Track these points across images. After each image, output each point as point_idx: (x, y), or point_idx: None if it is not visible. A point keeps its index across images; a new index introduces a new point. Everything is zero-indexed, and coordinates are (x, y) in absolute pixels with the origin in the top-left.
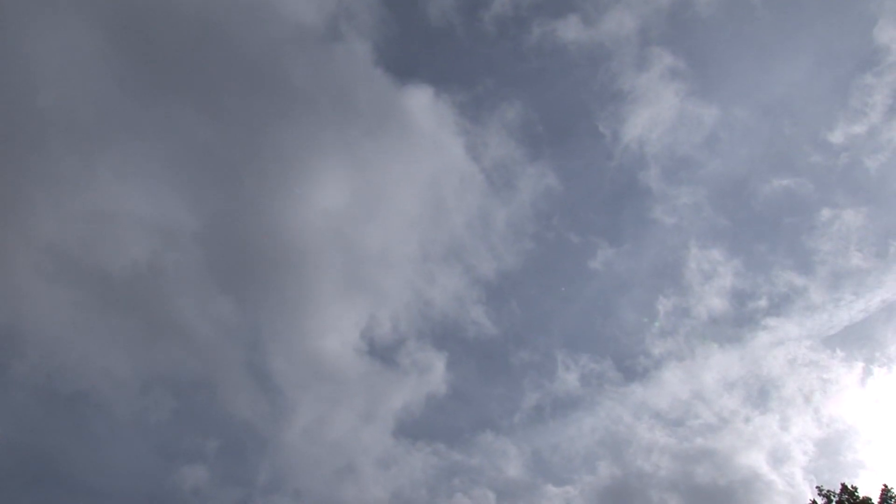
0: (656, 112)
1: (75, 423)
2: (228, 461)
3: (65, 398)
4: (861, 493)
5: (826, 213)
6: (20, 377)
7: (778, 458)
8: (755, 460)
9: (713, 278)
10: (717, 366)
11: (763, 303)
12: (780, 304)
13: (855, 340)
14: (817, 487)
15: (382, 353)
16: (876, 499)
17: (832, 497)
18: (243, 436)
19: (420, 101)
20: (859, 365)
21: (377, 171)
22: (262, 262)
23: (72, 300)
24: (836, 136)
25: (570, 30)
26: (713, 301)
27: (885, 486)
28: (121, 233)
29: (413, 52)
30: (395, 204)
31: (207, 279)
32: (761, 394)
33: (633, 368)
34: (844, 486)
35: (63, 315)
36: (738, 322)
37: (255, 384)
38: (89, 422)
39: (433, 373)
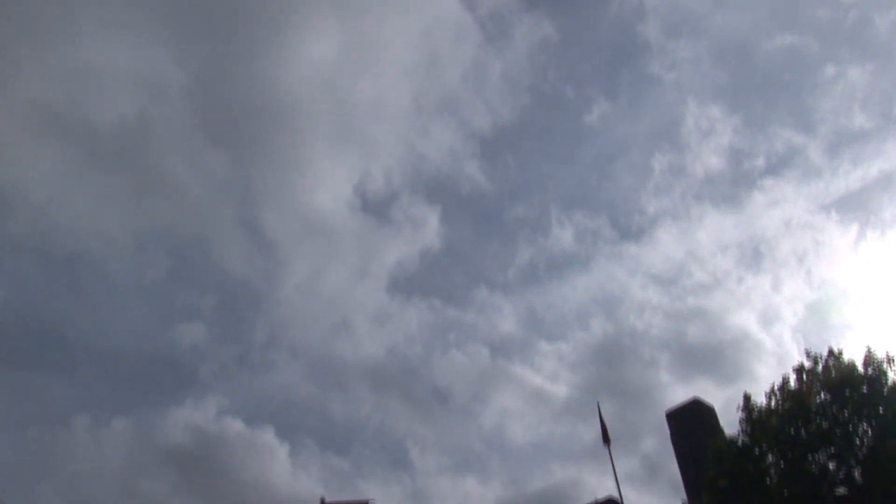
0: None
1: (72, 285)
2: (225, 318)
3: (60, 260)
4: (846, 357)
5: (830, 69)
6: (14, 239)
7: (768, 319)
8: (746, 320)
9: (711, 136)
10: (712, 225)
11: (760, 162)
12: (778, 165)
13: (850, 206)
14: (805, 350)
15: (375, 207)
16: (860, 361)
17: (819, 359)
18: (238, 293)
19: None
20: (854, 228)
21: (369, 21)
22: (253, 115)
23: (60, 158)
24: None
25: None
26: (710, 160)
27: (869, 348)
28: (107, 87)
29: None
30: (388, 55)
31: (197, 134)
32: (755, 255)
33: (627, 226)
34: (831, 350)
35: (52, 174)
36: (735, 182)
37: (249, 240)
38: (86, 283)
39: (427, 228)
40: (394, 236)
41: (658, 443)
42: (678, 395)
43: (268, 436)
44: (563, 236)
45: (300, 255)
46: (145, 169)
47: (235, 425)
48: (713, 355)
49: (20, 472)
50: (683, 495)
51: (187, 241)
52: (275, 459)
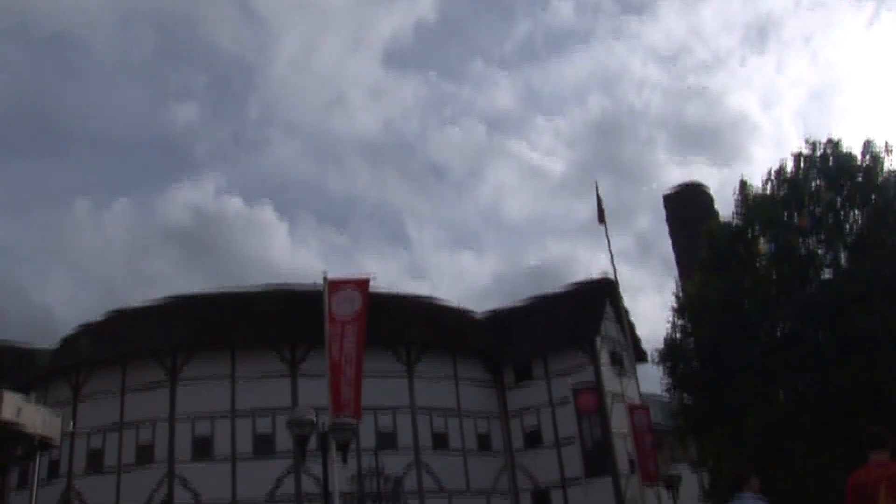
0: None
1: (59, 68)
2: (217, 97)
3: (43, 41)
4: (845, 146)
5: None
6: None
7: (769, 102)
8: (746, 102)
9: None
10: (718, 1)
11: None
12: None
13: None
14: (805, 136)
15: None
16: (858, 151)
17: (817, 147)
18: (230, 70)
19: None
20: (869, 7)
21: None
22: None
23: None
24: None
25: None
26: None
27: (868, 137)
28: None
29: None
30: None
31: None
32: (760, 34)
33: (629, 0)
34: (830, 138)
35: None
36: None
37: (238, 14)
38: (73, 65)
39: None
40: (387, 6)
41: (652, 221)
42: (674, 174)
43: (266, 213)
44: (563, 9)
45: (292, 29)
46: None
47: (234, 203)
48: (711, 136)
49: (28, 255)
50: (676, 274)
51: (173, 16)
52: (274, 236)
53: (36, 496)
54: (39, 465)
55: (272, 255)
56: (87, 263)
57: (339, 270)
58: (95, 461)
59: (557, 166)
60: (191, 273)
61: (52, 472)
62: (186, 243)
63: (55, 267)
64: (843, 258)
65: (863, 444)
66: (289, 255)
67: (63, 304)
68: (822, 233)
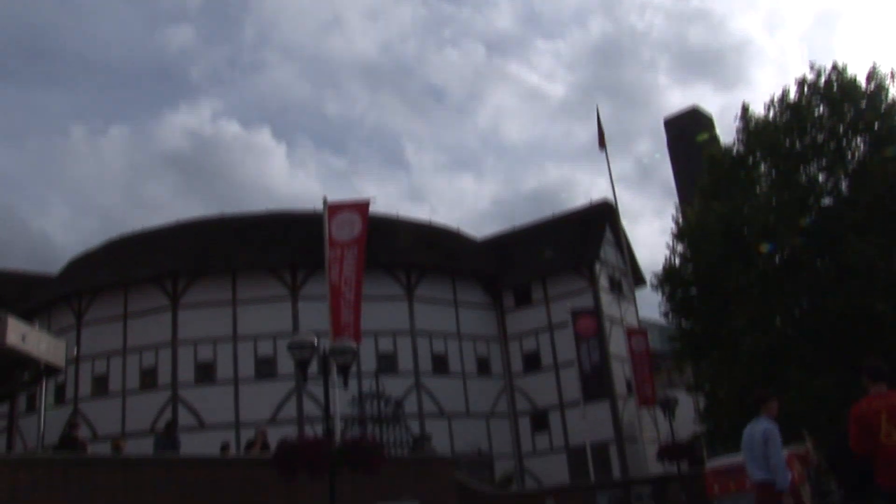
0: None
1: None
2: (212, 18)
3: None
4: (850, 73)
5: None
6: None
7: (773, 25)
8: (750, 25)
9: None
10: None
11: None
12: None
13: None
14: (809, 62)
15: None
16: (863, 78)
17: (822, 72)
18: None
19: None
20: None
21: None
22: None
23: None
24: None
25: None
26: None
27: (874, 63)
28: None
29: None
30: None
31: None
32: None
33: None
34: (835, 64)
35: None
36: None
37: None
38: None
39: None
40: None
41: (652, 146)
42: (675, 98)
43: (264, 137)
44: None
45: None
46: None
47: (231, 128)
48: (714, 60)
49: (25, 183)
50: (676, 199)
51: None
52: (272, 160)
53: (44, 420)
54: (46, 389)
55: (270, 178)
56: (85, 190)
57: (337, 195)
58: (101, 386)
59: (557, 89)
60: (189, 199)
61: (59, 396)
62: (184, 168)
63: (53, 194)
64: (843, 186)
65: (862, 376)
66: (287, 179)
67: (62, 231)
68: (824, 160)
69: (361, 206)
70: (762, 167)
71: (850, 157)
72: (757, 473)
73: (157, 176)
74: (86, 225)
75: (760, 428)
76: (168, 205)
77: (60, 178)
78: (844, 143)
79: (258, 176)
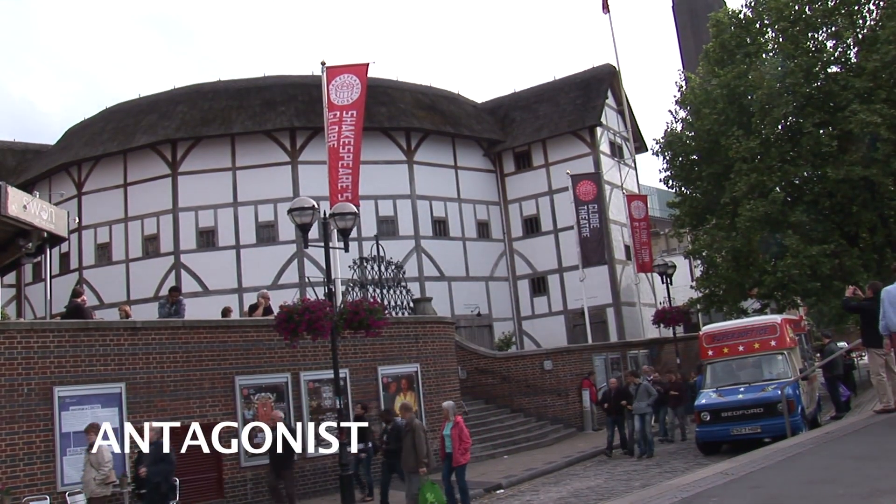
0: None
1: None
2: None
3: None
4: None
5: None
6: None
7: None
8: None
9: None
10: None
11: None
12: None
13: None
14: None
15: None
16: None
17: None
18: None
19: None
20: None
21: None
22: None
23: None
24: None
25: None
26: None
27: None
28: None
29: None
30: None
31: None
32: None
33: None
34: None
35: None
36: None
37: None
38: None
39: None
40: None
41: (657, 9)
42: None
43: None
44: None
45: None
46: None
47: None
48: None
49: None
50: (680, 65)
51: None
52: (266, 21)
53: (50, 287)
54: (50, 258)
55: (264, 41)
56: (64, 54)
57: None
58: (104, 254)
59: None
60: (178, 64)
61: (63, 265)
62: (166, 29)
63: (31, 58)
64: (851, 54)
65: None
66: (284, 41)
67: (45, 96)
68: (833, 27)
69: (360, 69)
70: (769, 33)
71: (860, 24)
72: None
73: (138, 37)
74: (69, 89)
75: None
76: (154, 70)
77: (36, 40)
78: (856, 8)
79: (251, 38)
